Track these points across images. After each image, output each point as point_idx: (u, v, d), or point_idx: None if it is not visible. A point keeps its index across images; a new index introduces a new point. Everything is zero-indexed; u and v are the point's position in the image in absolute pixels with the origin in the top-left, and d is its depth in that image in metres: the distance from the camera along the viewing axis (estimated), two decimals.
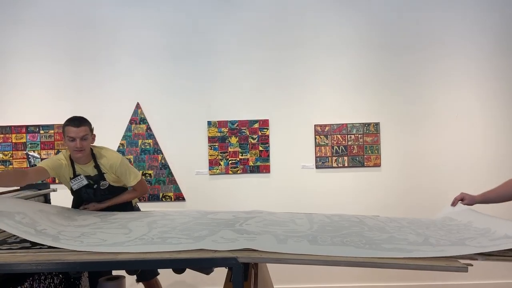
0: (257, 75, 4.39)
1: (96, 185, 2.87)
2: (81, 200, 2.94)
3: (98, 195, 2.91)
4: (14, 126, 4.28)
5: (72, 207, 2.98)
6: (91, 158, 2.86)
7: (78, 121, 2.72)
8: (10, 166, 4.27)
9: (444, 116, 4.28)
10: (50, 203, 2.97)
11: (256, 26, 4.40)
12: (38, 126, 4.29)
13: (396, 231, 2.22)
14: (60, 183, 4.16)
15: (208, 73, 4.37)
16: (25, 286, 2.13)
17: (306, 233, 2.12)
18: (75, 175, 2.83)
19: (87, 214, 2.71)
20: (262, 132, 4.38)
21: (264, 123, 4.38)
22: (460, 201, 2.74)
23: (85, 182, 2.83)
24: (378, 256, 1.73)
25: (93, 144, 2.89)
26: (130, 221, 2.41)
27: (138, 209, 3.29)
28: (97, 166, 2.86)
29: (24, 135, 4.28)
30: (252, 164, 4.39)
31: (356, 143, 4.38)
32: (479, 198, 2.68)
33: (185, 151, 4.39)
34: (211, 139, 4.38)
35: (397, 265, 1.68)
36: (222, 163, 4.38)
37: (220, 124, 4.37)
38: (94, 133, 2.86)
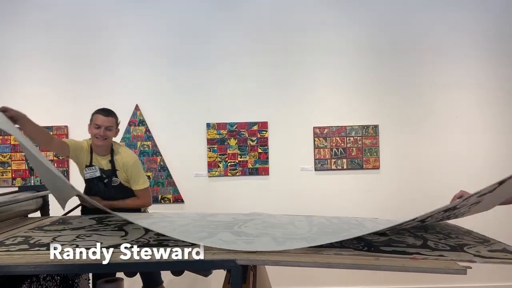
0: (256, 77, 4.39)
1: (107, 180, 2.94)
2: (90, 192, 2.96)
3: (108, 190, 2.95)
4: None
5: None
6: (109, 152, 2.96)
7: (107, 112, 2.93)
8: (9, 168, 4.26)
9: (444, 117, 4.28)
10: (48, 205, 2.96)
11: (255, 28, 4.41)
12: None
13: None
14: None
15: (207, 75, 4.37)
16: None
17: (305, 236, 2.11)
18: (91, 164, 2.92)
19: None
20: (261, 134, 4.38)
21: (263, 125, 4.38)
22: (458, 199, 2.72)
23: (98, 173, 2.92)
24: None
25: (115, 141, 3.02)
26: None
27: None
28: (112, 161, 2.95)
29: None
30: (251, 166, 4.39)
31: (355, 146, 4.38)
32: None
33: (184, 153, 4.38)
34: (210, 141, 4.37)
35: (396, 268, 1.68)
36: (221, 165, 4.38)
37: (219, 126, 4.37)
38: (118, 128, 3.02)
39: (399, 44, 4.41)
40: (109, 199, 2.93)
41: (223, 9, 4.41)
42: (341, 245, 1.92)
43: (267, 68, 4.40)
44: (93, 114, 2.93)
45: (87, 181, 2.97)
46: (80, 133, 4.16)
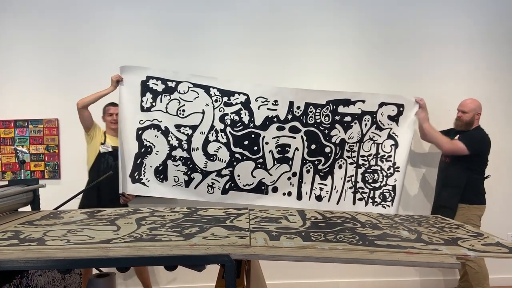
0: (249, 72, 4.32)
1: (118, 153, 3.68)
2: (100, 167, 3.69)
3: (115, 163, 3.69)
4: (2, 121, 4.21)
5: (90, 173, 3.75)
6: (117, 135, 3.78)
7: (115, 103, 3.76)
8: None
9: (437, 111, 4.25)
10: (39, 199, 2.92)
11: (248, 23, 4.35)
12: (27, 120, 4.22)
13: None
14: (49, 178, 4.15)
15: (200, 67, 4.29)
16: (13, 283, 2.10)
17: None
18: (105, 142, 3.75)
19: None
20: None
21: None
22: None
23: (110, 149, 3.71)
24: None
25: None
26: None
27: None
28: None
29: (13, 129, 4.22)
30: None
31: None
32: (427, 125, 3.81)
33: None
34: None
35: (390, 262, 1.67)
36: None
37: None
38: None
39: (392, 38, 4.39)
40: (114, 171, 3.60)
41: (217, 3, 4.35)
42: (336, 239, 1.91)
43: (259, 63, 4.32)
44: (105, 107, 3.83)
45: (98, 156, 3.70)
46: (71, 126, 4.13)
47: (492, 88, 4.44)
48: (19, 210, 2.80)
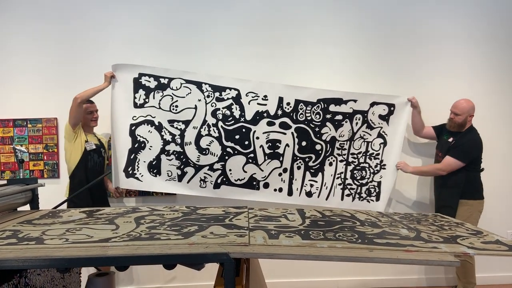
0: (249, 72, 4.30)
1: (101, 149, 3.83)
2: (87, 164, 3.67)
3: (99, 161, 3.78)
4: (1, 120, 4.20)
5: (76, 172, 3.65)
6: (94, 134, 3.92)
7: (92, 101, 3.78)
8: None
9: (437, 110, 4.25)
10: (37, 198, 2.92)
11: (248, 23, 4.34)
12: (26, 120, 4.21)
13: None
14: (48, 177, 4.15)
15: (199, 66, 4.28)
16: (12, 282, 2.09)
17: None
18: (87, 140, 3.73)
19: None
20: None
21: None
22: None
23: (94, 146, 3.74)
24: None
25: None
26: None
27: None
28: (99, 140, 3.89)
29: (12, 129, 4.21)
30: None
31: None
32: (411, 169, 3.93)
33: None
34: None
35: (389, 260, 1.67)
36: None
37: None
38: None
39: (393, 38, 4.37)
40: (100, 168, 3.79)
41: (216, 3, 4.34)
42: (335, 237, 1.91)
43: (259, 63, 4.29)
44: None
45: (84, 154, 3.66)
46: None
47: (494, 87, 4.43)
48: (18, 209, 2.80)
